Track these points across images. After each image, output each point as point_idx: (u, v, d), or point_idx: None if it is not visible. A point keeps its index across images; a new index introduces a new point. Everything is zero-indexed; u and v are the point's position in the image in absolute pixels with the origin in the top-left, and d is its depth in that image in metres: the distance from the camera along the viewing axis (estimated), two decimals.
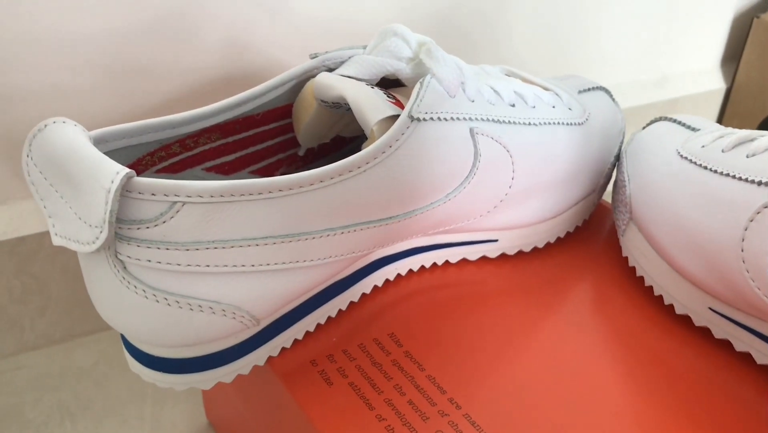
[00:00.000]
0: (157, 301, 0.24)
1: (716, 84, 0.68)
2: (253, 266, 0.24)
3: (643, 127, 0.37)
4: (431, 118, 0.27)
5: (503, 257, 0.35)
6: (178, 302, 0.24)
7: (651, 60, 0.64)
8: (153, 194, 0.22)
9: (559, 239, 0.37)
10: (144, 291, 0.24)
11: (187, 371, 0.26)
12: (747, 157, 0.29)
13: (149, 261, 0.23)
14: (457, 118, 0.28)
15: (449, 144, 0.28)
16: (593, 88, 0.38)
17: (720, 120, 0.70)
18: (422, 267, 0.34)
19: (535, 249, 0.36)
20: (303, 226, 0.25)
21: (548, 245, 0.36)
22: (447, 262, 0.35)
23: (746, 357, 0.30)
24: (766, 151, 0.29)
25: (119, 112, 0.39)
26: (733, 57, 0.69)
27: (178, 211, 0.23)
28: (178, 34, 0.38)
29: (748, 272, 0.27)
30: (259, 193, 0.24)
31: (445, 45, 0.48)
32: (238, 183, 0.23)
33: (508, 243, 0.35)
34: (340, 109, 0.30)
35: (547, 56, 0.55)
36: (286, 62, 0.44)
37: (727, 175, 0.29)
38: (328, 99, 0.29)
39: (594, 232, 0.38)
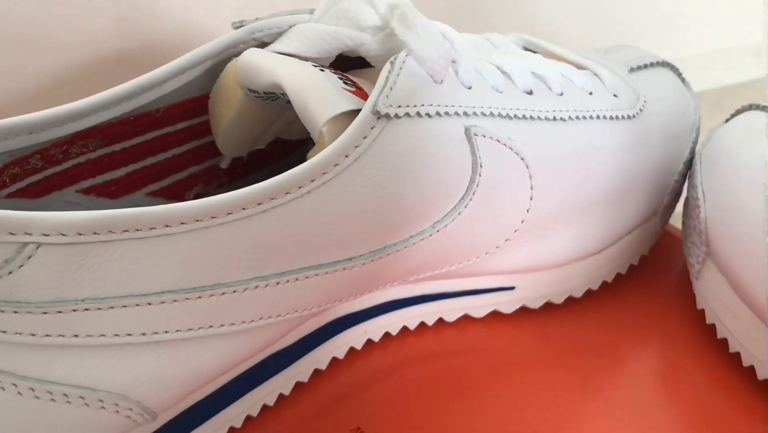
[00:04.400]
0: (3, 388, 0.24)
1: None
2: (144, 334, 0.24)
3: (726, 121, 0.38)
4: (407, 114, 0.27)
5: (524, 312, 0.35)
6: (33, 390, 0.24)
7: (749, 18, 0.64)
8: None
9: (605, 284, 0.37)
10: None
11: None
12: None
13: None
14: (447, 114, 0.29)
15: (435, 151, 0.28)
16: (653, 65, 0.38)
17: None
18: (404, 329, 0.34)
19: (571, 300, 0.36)
20: (217, 275, 0.25)
21: (590, 293, 0.36)
22: (441, 321, 0.35)
23: None
24: None
25: None
26: None
27: (30, 257, 0.23)
28: None
29: None
30: (151, 229, 0.24)
31: (446, 6, 0.48)
32: (119, 214, 0.23)
33: (530, 292, 0.35)
34: (278, 101, 0.30)
35: (594, 20, 0.56)
36: (213, 33, 0.44)
37: None
38: (257, 87, 0.29)
39: (657, 273, 0.38)
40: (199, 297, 0.25)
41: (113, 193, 0.31)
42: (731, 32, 0.64)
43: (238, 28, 0.30)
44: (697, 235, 0.35)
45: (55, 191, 0.30)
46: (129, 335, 0.24)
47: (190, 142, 0.32)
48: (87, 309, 0.24)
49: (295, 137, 0.33)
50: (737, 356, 0.33)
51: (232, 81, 0.30)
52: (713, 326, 0.34)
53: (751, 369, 0.33)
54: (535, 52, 0.36)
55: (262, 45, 0.30)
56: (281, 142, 0.34)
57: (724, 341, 0.34)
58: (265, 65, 0.28)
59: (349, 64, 0.32)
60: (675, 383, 0.32)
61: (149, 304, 0.24)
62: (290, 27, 0.30)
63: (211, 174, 0.33)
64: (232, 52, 0.30)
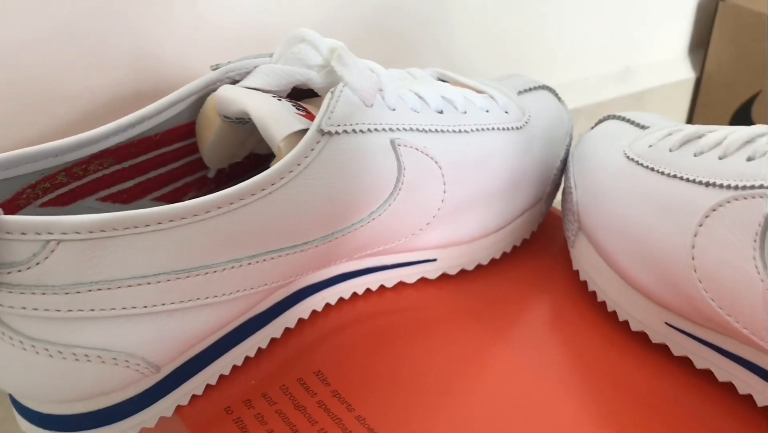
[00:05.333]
0: (37, 352, 0.23)
1: (684, 74, 0.69)
2: (145, 307, 0.24)
3: (592, 128, 0.38)
4: (345, 131, 0.27)
5: (444, 277, 0.35)
6: (61, 353, 0.23)
7: (612, 52, 0.64)
8: (23, 233, 0.22)
9: (505, 254, 0.37)
10: (21, 342, 0.23)
11: (82, 428, 0.26)
12: (694, 155, 0.29)
13: (24, 309, 0.22)
14: (376, 130, 0.28)
15: (368, 158, 0.28)
16: (536, 88, 0.38)
17: (691, 112, 0.71)
18: (354, 294, 0.34)
19: (480, 267, 0.36)
20: (201, 259, 0.25)
21: (493, 261, 0.36)
22: (382, 287, 0.34)
23: (707, 375, 0.30)
24: (713, 148, 0.29)
25: (12, 141, 0.38)
26: (700, 44, 0.70)
27: (52, 251, 0.22)
28: (80, 48, 0.38)
29: (700, 282, 0.27)
30: (146, 225, 0.23)
31: (381, 48, 0.48)
32: (121, 215, 0.23)
33: (448, 262, 0.34)
34: (247, 124, 0.29)
35: (496, 55, 0.56)
36: (203, 74, 0.43)
37: (674, 176, 0.29)
38: (231, 114, 0.28)
39: (544, 244, 0.38)
40: (187, 276, 0.24)
41: (125, 200, 0.30)
42: (600, 63, 0.64)
43: (215, 69, 0.30)
44: (572, 214, 0.35)
45: (79, 200, 0.29)
46: (134, 307, 0.24)
47: (184, 159, 0.32)
48: (99, 289, 0.23)
49: (265, 152, 0.33)
50: (603, 304, 0.33)
51: (211, 110, 0.29)
52: (585, 282, 0.34)
53: (614, 313, 0.33)
54: (446, 82, 0.36)
55: (234, 82, 0.30)
56: (254, 156, 0.34)
57: (594, 293, 0.34)
58: (236, 97, 0.28)
59: (302, 95, 0.31)
60: (559, 326, 0.32)
61: (148, 283, 0.24)
62: (255, 67, 0.30)
63: (202, 182, 0.33)
64: (211, 88, 0.30)
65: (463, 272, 0.35)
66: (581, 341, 0.32)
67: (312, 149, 0.26)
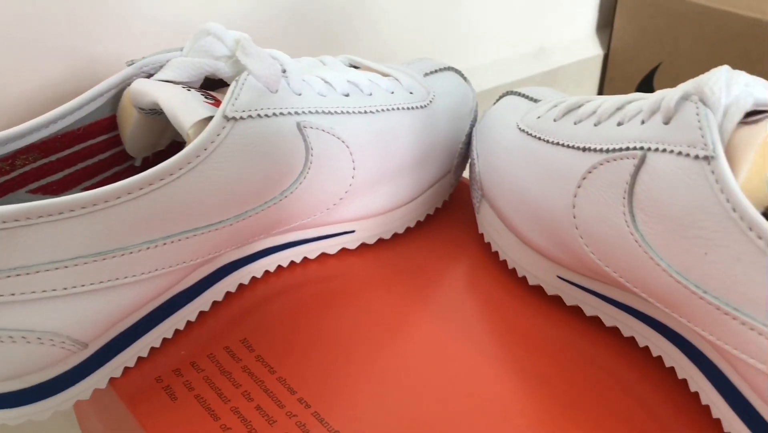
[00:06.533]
0: None
1: (593, 51, 0.70)
2: (65, 289, 0.23)
3: (493, 104, 0.38)
4: (250, 116, 0.27)
5: (364, 247, 0.35)
6: None
7: (527, 33, 0.64)
8: None
9: (419, 222, 0.37)
10: None
11: (17, 405, 0.25)
12: (574, 124, 0.29)
13: None
14: (282, 114, 0.28)
15: (275, 141, 0.27)
16: (441, 69, 0.38)
17: (601, 85, 0.72)
18: (279, 267, 0.33)
19: (396, 235, 0.36)
20: (116, 242, 0.24)
21: (409, 229, 0.36)
22: (306, 259, 0.34)
23: (596, 321, 0.30)
24: (590, 116, 0.29)
25: None
26: (606, 24, 0.71)
27: None
28: (16, 51, 0.36)
29: (582, 237, 0.28)
30: (60, 213, 0.23)
31: (305, 40, 0.47)
32: (33, 205, 0.22)
33: (366, 232, 0.34)
34: (162, 115, 0.29)
35: (418, 42, 0.55)
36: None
37: (557, 144, 0.29)
38: (144, 106, 0.28)
39: (454, 212, 0.38)
40: (104, 259, 0.24)
41: (55, 192, 0.30)
42: (517, 44, 0.64)
43: (130, 65, 0.29)
44: (476, 183, 0.35)
45: (10, 193, 0.28)
46: (54, 290, 0.23)
47: (111, 150, 0.31)
48: (18, 275, 0.22)
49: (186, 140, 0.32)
50: (505, 262, 0.34)
51: (128, 103, 0.29)
52: (489, 244, 0.35)
53: (514, 270, 0.33)
54: (358, 67, 0.35)
55: (149, 76, 0.29)
56: (177, 144, 0.33)
57: (497, 253, 0.34)
58: (147, 90, 0.27)
59: (217, 85, 0.31)
60: (469, 283, 0.33)
61: (66, 267, 0.23)
62: (167, 61, 0.29)
63: (131, 171, 0.32)
64: (127, 82, 0.29)
65: (381, 241, 0.35)
66: (487, 296, 0.32)
67: (218, 134, 0.26)
